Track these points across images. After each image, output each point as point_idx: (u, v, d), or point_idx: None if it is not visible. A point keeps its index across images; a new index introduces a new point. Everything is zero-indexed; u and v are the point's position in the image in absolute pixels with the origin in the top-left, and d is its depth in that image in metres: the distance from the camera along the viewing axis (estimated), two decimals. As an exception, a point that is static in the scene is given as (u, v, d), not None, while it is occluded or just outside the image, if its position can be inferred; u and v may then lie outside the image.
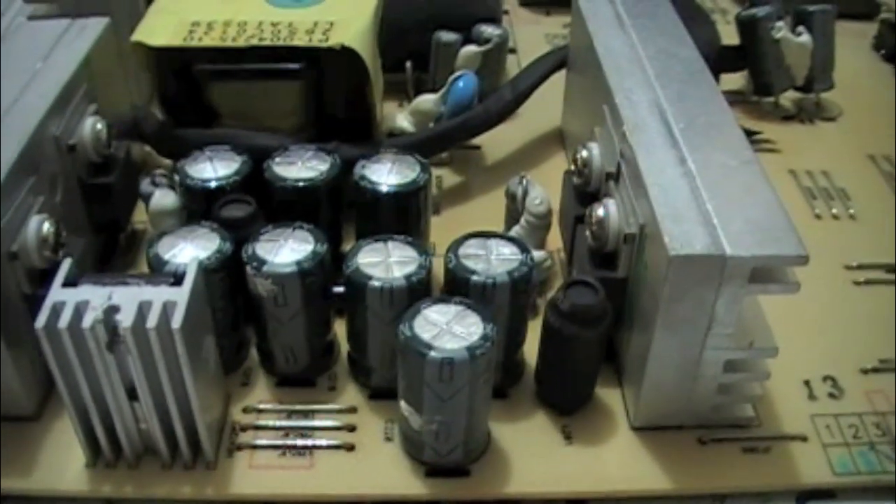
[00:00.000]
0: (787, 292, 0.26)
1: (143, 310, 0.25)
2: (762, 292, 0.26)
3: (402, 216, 0.31)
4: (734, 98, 0.44)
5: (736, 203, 0.27)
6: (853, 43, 0.50)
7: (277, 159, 0.32)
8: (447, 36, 0.41)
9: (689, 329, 0.26)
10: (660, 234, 0.25)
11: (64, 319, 0.24)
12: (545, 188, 0.33)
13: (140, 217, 0.36)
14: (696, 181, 0.27)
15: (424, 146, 0.35)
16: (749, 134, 0.36)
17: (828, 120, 0.45)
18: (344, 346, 0.31)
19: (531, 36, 0.51)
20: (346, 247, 0.31)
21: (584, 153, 0.31)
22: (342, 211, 0.32)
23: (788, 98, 0.45)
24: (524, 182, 0.33)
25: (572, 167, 0.32)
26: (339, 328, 0.31)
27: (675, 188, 0.27)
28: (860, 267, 0.35)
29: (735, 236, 0.25)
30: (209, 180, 0.31)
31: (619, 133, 0.30)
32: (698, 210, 0.26)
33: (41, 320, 0.24)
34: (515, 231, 0.33)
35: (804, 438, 0.29)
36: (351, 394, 0.30)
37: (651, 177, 0.27)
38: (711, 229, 0.26)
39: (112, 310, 0.25)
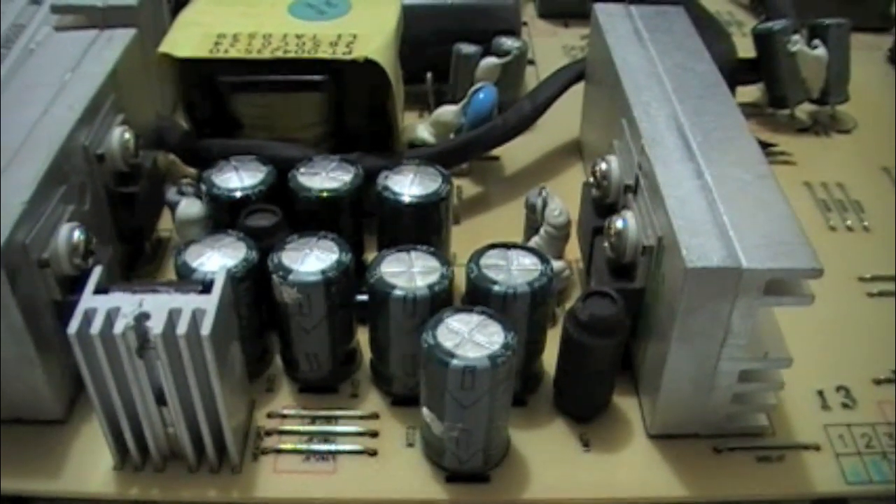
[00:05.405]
0: (801, 304, 0.26)
1: (172, 317, 0.25)
2: (777, 304, 0.26)
3: (424, 227, 0.31)
4: (750, 110, 0.44)
5: (751, 217, 0.27)
6: (868, 56, 0.50)
7: (302, 170, 0.32)
8: (467, 48, 0.41)
9: (704, 340, 0.27)
10: (677, 247, 0.26)
11: (96, 325, 0.25)
12: (563, 199, 0.34)
13: (165, 225, 0.37)
14: (712, 194, 0.28)
15: (445, 157, 0.35)
16: (764, 146, 0.36)
17: (843, 132, 0.45)
18: (366, 355, 0.31)
19: (549, 47, 0.51)
20: (368, 256, 0.32)
21: (603, 165, 0.32)
22: (364, 221, 0.33)
23: (804, 110, 0.45)
24: (544, 193, 0.33)
25: (591, 179, 0.33)
26: (362, 336, 0.31)
27: (692, 201, 0.28)
28: (873, 279, 0.36)
29: (751, 249, 0.26)
30: (235, 190, 0.31)
31: (637, 146, 0.30)
32: (714, 223, 0.27)
33: (73, 326, 0.25)
34: (535, 241, 0.33)
35: (817, 447, 0.29)
36: (373, 400, 0.31)
37: (668, 190, 0.28)
38: (727, 242, 0.26)
39: (143, 317, 0.25)
